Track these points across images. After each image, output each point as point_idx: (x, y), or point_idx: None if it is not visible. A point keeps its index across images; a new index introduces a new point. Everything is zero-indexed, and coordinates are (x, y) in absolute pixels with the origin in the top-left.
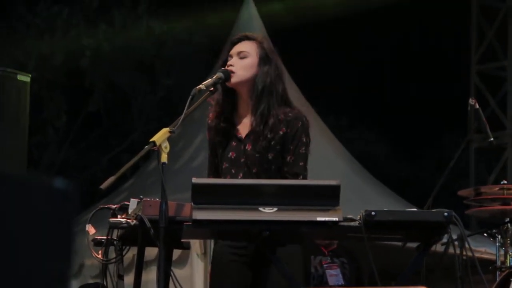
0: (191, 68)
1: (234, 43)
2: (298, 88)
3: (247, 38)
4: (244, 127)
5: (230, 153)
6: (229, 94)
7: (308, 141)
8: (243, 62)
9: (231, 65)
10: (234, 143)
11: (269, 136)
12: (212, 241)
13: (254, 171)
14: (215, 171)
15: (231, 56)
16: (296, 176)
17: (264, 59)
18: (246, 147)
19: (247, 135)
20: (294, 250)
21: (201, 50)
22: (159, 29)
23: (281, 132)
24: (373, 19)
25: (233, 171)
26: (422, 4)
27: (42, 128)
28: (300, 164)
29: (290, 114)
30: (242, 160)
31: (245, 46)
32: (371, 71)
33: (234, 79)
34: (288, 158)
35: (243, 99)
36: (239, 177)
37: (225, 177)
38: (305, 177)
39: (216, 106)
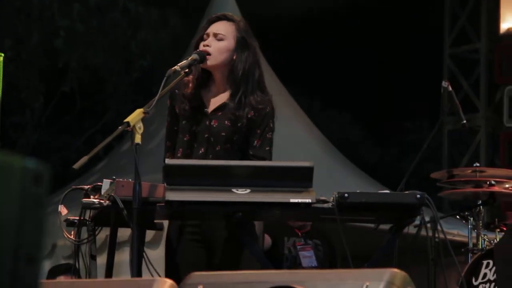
0: (167, 50)
1: (212, 22)
2: (271, 69)
3: (225, 18)
4: (212, 104)
5: (194, 127)
6: (205, 71)
7: (273, 128)
8: (219, 44)
9: (207, 45)
10: (199, 117)
11: (240, 117)
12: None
13: (217, 148)
14: (173, 140)
15: (208, 35)
16: (262, 160)
17: (241, 44)
18: (212, 123)
19: (213, 111)
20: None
21: (177, 32)
22: (135, 11)
23: (249, 116)
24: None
25: (195, 145)
26: None
27: (20, 109)
28: (266, 148)
29: (259, 99)
30: (206, 135)
31: (223, 28)
32: (343, 54)
33: (209, 62)
34: (255, 142)
35: (216, 80)
36: (200, 151)
37: (183, 150)
38: None
39: (193, 79)
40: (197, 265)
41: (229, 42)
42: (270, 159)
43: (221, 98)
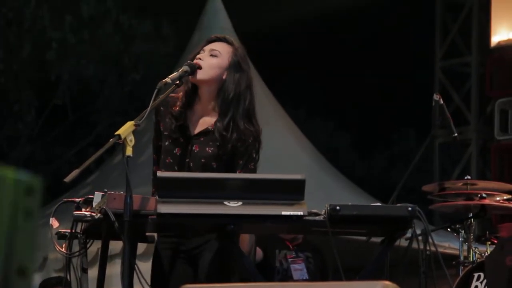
0: (158, 63)
1: (211, 41)
2: (261, 79)
3: (225, 40)
4: (194, 127)
5: (176, 149)
6: (194, 88)
7: (257, 159)
8: (211, 59)
9: (199, 58)
10: (181, 139)
11: (226, 139)
12: None
13: None
14: (159, 154)
15: (203, 51)
16: None
17: (235, 66)
18: (193, 148)
19: (196, 135)
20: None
21: (169, 45)
22: (128, 24)
23: (233, 144)
24: (338, 13)
25: (175, 167)
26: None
27: (12, 122)
28: None
29: (245, 127)
30: (186, 160)
31: (219, 46)
32: (331, 63)
33: (199, 76)
34: (237, 172)
35: (201, 97)
36: None
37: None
38: None
39: (183, 95)
40: (183, 281)
41: (222, 60)
42: None
43: (206, 122)
